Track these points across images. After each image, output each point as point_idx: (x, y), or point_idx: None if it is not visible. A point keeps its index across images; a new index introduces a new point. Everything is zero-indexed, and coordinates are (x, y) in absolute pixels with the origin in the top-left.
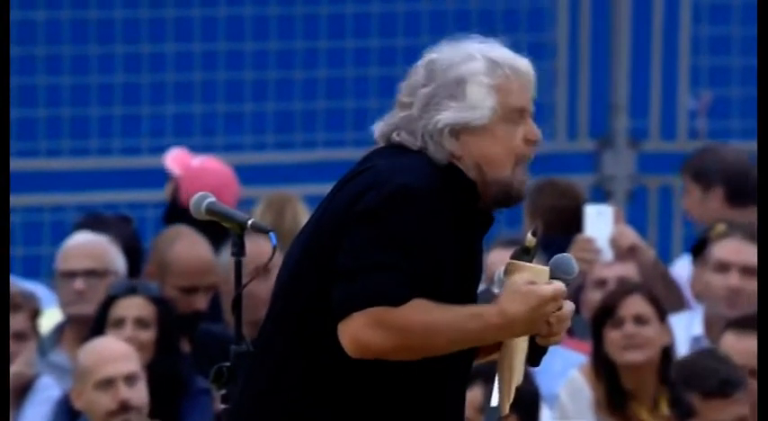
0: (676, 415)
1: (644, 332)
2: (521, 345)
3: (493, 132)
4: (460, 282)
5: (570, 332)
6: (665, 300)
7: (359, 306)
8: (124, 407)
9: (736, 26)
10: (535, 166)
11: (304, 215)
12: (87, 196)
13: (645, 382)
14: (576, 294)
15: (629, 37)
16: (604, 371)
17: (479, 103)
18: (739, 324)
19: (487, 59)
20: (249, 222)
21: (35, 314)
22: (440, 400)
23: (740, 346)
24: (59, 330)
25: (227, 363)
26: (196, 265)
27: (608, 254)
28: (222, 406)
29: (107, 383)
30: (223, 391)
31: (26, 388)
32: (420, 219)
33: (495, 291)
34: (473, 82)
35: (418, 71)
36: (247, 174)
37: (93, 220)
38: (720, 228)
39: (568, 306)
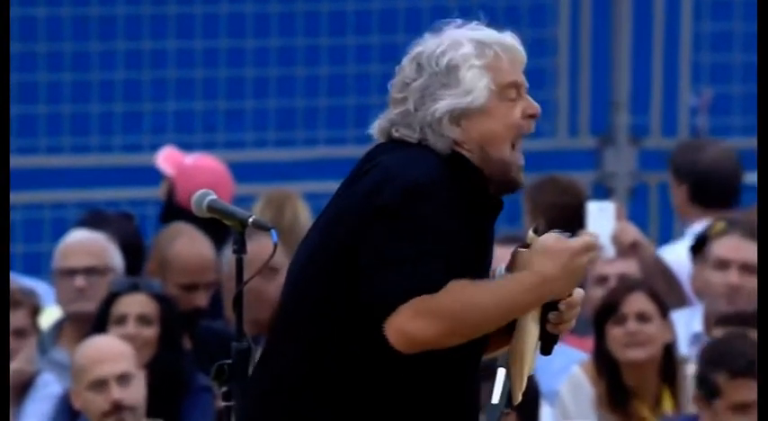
0: (701, 395)
1: (646, 329)
2: (532, 334)
3: (490, 112)
4: (474, 269)
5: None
6: (666, 296)
7: (399, 300)
8: (117, 408)
9: (738, 23)
10: (536, 163)
11: (304, 212)
12: (88, 193)
13: (646, 380)
14: None
15: (630, 33)
16: (606, 368)
17: (474, 85)
18: (729, 321)
19: (474, 41)
20: (250, 219)
21: (35, 311)
22: (449, 404)
23: None
24: (59, 327)
25: (229, 361)
26: (197, 263)
27: (609, 250)
28: (224, 403)
29: (100, 384)
30: (224, 389)
31: (27, 384)
32: (437, 208)
33: None
34: (464, 67)
35: (406, 67)
36: (248, 171)
37: (95, 218)
38: (720, 225)
39: (578, 293)
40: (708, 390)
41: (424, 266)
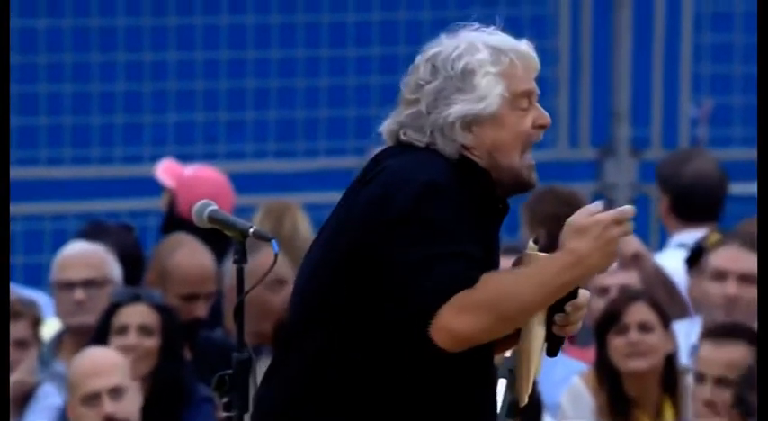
0: (740, 414)
1: (648, 339)
2: (538, 336)
3: (502, 120)
4: (487, 270)
5: (572, 340)
6: (667, 307)
7: (439, 301)
8: None
9: (738, 34)
10: (537, 174)
11: (303, 223)
12: (88, 204)
13: (648, 390)
14: None
15: (631, 45)
16: (607, 378)
17: (488, 92)
18: (715, 333)
19: (490, 48)
20: (251, 230)
21: (36, 322)
22: (458, 410)
23: (716, 356)
24: (59, 339)
25: (229, 371)
26: (196, 273)
27: None
28: (224, 414)
29: (92, 398)
30: (225, 399)
31: (27, 395)
32: (451, 208)
33: None
34: (480, 73)
35: (421, 67)
36: (249, 183)
37: (95, 229)
38: (714, 237)
39: (584, 294)
40: (745, 410)
41: (455, 264)
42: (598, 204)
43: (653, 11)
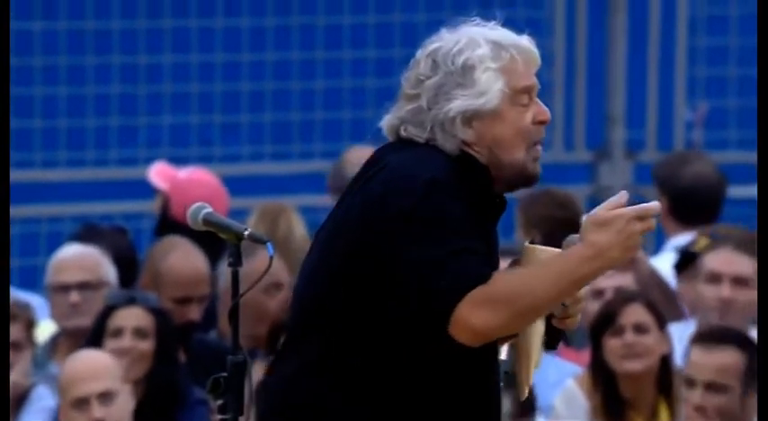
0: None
1: (644, 341)
2: (538, 330)
3: (503, 116)
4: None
5: (567, 342)
6: (663, 309)
7: (457, 297)
8: None
9: (733, 37)
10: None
11: (298, 225)
12: (84, 207)
13: (643, 391)
14: None
15: (626, 47)
16: (602, 379)
17: (488, 88)
18: (705, 338)
19: (491, 43)
20: (246, 233)
21: (30, 324)
22: (460, 409)
23: (706, 361)
24: (54, 341)
25: (224, 374)
26: (190, 276)
27: None
28: (219, 416)
29: (81, 403)
30: (220, 402)
31: (22, 398)
32: (455, 205)
33: None
34: (480, 68)
35: (421, 62)
36: (244, 185)
37: (89, 232)
38: (703, 241)
39: (583, 288)
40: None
41: (468, 259)
42: (623, 195)
43: (648, 14)
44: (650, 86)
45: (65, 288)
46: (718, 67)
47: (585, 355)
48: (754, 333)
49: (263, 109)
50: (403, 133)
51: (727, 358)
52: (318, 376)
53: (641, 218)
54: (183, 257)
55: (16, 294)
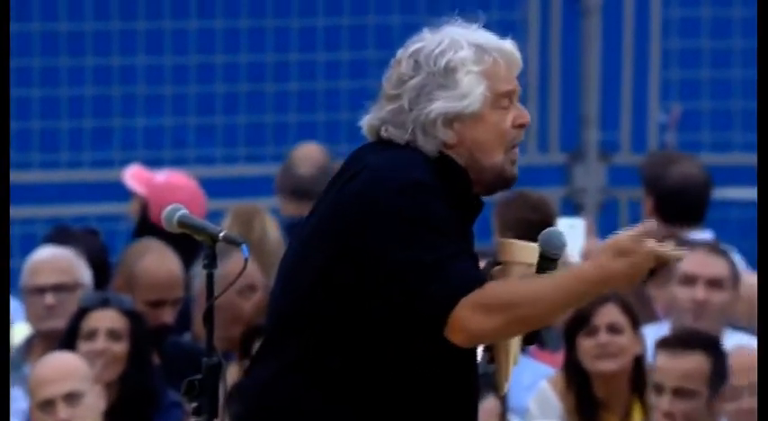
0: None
1: (617, 341)
2: None
3: (484, 118)
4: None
5: (541, 344)
6: (637, 310)
7: (453, 300)
8: None
9: (706, 39)
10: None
11: (272, 227)
12: (57, 209)
13: (617, 391)
14: None
15: (600, 50)
16: (576, 379)
17: (470, 90)
18: (670, 343)
19: (474, 46)
20: (221, 234)
21: None
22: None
23: (672, 366)
24: (29, 344)
25: (199, 376)
26: (164, 279)
27: None
28: (194, 419)
29: (47, 404)
30: (194, 404)
31: None
32: (440, 206)
33: None
34: (462, 70)
35: (403, 62)
36: (219, 187)
37: (61, 234)
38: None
39: None
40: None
41: (462, 262)
42: (652, 225)
43: (622, 16)
44: (624, 88)
45: (40, 290)
46: (691, 70)
47: (560, 357)
48: (728, 336)
49: (238, 111)
50: (384, 134)
51: (694, 363)
52: (297, 377)
53: (658, 257)
54: (156, 260)
55: None
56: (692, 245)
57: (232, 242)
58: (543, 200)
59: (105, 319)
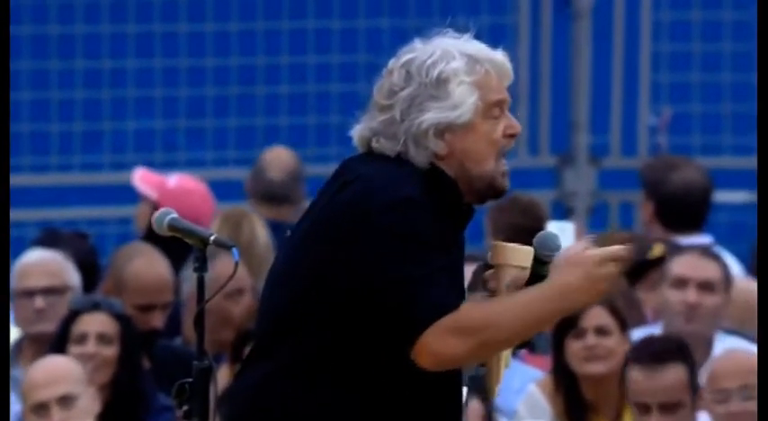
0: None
1: (605, 343)
2: None
3: (475, 128)
4: (460, 276)
5: (531, 348)
6: (625, 314)
7: (425, 324)
8: None
9: (697, 43)
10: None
11: (261, 230)
12: (47, 213)
13: (606, 394)
14: None
15: (590, 53)
16: (565, 382)
17: (462, 101)
18: (642, 359)
19: (466, 56)
20: (212, 238)
21: None
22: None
23: (653, 384)
24: (19, 346)
25: (190, 380)
26: (153, 283)
27: None
28: None
29: (41, 407)
30: (185, 407)
31: None
32: (430, 222)
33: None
34: (454, 81)
35: (395, 72)
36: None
37: (50, 237)
38: (658, 249)
39: None
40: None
41: (438, 285)
42: (591, 238)
43: (612, 20)
44: (614, 92)
45: (29, 293)
46: (681, 73)
47: (546, 361)
48: (720, 339)
49: (228, 114)
50: (375, 145)
51: (672, 374)
52: (289, 379)
53: (611, 259)
54: (146, 264)
55: None
56: (683, 248)
57: (223, 245)
58: (533, 204)
59: (96, 323)
